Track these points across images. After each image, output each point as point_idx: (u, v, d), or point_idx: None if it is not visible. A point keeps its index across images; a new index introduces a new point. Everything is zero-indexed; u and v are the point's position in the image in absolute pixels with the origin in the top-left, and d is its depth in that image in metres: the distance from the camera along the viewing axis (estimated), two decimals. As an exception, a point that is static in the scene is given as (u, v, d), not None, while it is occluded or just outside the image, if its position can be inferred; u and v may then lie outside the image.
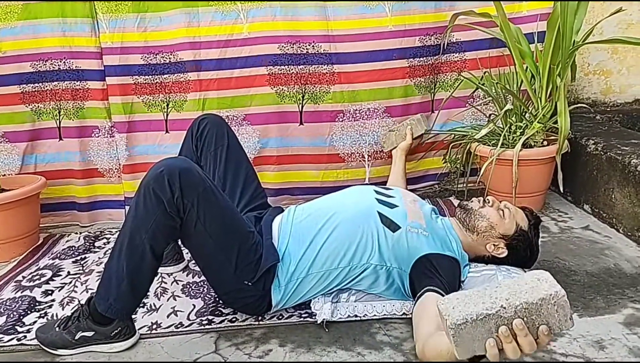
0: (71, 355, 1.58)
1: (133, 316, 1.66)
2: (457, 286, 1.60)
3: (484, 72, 2.56)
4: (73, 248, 2.35)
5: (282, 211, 1.88)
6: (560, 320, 1.03)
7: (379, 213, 1.69)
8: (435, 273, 1.55)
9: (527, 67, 2.38)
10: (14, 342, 1.65)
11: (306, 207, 1.80)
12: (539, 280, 1.06)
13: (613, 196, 2.22)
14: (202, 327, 1.68)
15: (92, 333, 1.56)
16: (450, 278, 1.57)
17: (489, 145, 2.38)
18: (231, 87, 2.56)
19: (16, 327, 1.73)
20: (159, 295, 1.88)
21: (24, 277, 2.08)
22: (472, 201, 1.79)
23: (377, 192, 1.80)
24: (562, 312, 1.03)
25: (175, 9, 2.49)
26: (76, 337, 1.56)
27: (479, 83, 2.53)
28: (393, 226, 1.66)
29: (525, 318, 1.03)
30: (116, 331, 1.56)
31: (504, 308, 1.03)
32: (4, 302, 1.89)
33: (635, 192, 2.08)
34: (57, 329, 1.59)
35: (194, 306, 1.80)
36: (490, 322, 1.03)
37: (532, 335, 1.03)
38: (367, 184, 2.60)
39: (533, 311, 1.03)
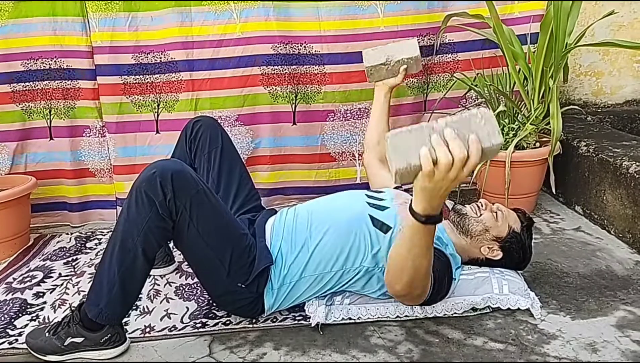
0: (61, 361, 1.56)
1: (125, 319, 1.65)
2: (446, 275, 1.61)
3: (477, 74, 2.56)
4: (64, 249, 2.33)
5: (275, 213, 1.87)
6: (489, 132, 1.14)
7: (370, 216, 1.69)
8: None
9: (519, 68, 2.39)
10: (6, 345, 1.64)
11: (298, 209, 1.79)
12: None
13: (604, 197, 2.24)
14: (196, 330, 1.67)
15: (82, 339, 1.54)
16: (439, 265, 1.56)
17: (481, 146, 2.38)
18: (224, 87, 2.55)
19: (7, 330, 1.71)
20: (151, 297, 1.87)
21: (14, 279, 2.06)
22: (465, 207, 1.79)
23: (368, 196, 1.80)
24: (490, 125, 1.14)
25: (167, 9, 2.46)
26: (65, 343, 1.54)
27: (472, 84, 2.53)
28: (384, 228, 1.66)
29: (455, 130, 1.13)
30: (106, 337, 1.54)
31: (436, 122, 1.15)
32: (-5, 305, 1.88)
33: (627, 194, 2.09)
34: (47, 334, 1.57)
35: (188, 308, 1.79)
36: (423, 133, 1.14)
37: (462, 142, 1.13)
38: (359, 186, 2.61)
39: (462, 124, 1.14)
